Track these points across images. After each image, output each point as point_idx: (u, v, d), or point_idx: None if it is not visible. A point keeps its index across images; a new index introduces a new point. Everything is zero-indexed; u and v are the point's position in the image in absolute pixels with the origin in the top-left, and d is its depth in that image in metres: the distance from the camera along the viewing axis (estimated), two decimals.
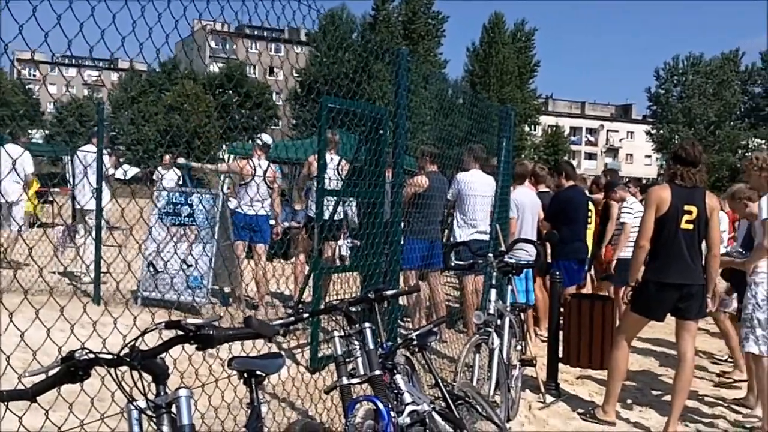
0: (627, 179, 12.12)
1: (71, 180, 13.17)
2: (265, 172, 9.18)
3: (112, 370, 2.33)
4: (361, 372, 3.76)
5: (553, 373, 7.33)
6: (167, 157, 17.28)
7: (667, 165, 6.92)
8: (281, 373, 5.13)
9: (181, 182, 15.53)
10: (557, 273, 7.59)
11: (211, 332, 2.30)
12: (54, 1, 3.06)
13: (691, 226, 6.01)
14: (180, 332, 2.34)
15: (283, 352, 5.79)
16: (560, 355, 7.57)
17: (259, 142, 9.86)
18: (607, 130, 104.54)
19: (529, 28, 74.15)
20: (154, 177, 17.06)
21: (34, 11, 3.01)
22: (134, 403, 2.34)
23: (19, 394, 2.32)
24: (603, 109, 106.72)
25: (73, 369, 2.30)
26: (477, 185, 8.71)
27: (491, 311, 5.85)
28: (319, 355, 6.42)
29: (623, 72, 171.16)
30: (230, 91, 60.60)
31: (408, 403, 3.84)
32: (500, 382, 5.67)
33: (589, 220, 9.81)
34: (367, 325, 3.82)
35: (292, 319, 3.64)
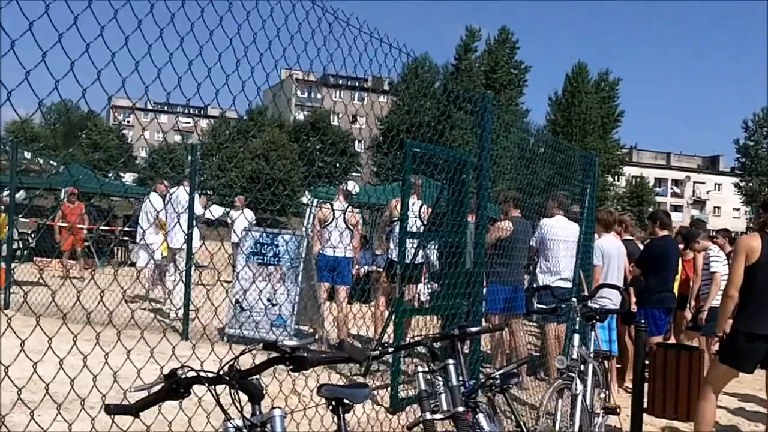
0: (713, 231, 11.90)
1: (143, 220, 13.59)
2: (344, 213, 9.40)
3: (211, 389, 2.45)
4: (444, 408, 3.81)
5: (638, 424, 7.19)
6: (240, 198, 17.59)
7: (756, 214, 6.79)
8: (363, 413, 5.23)
9: (254, 223, 15.78)
10: (642, 321, 7.49)
11: (305, 354, 2.40)
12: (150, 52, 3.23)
13: None
14: (275, 354, 2.45)
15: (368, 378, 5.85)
16: (645, 405, 7.43)
17: (344, 187, 10.11)
18: (694, 182, 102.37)
19: (613, 77, 73.55)
20: (228, 220, 17.39)
21: (136, 66, 3.18)
22: (231, 421, 2.46)
23: (125, 409, 2.47)
24: (689, 160, 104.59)
25: (175, 386, 2.43)
26: (561, 231, 8.69)
27: (574, 356, 5.79)
28: (400, 396, 6.49)
29: (710, 123, 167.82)
30: (314, 139, 61.75)
31: None
32: (583, 429, 5.60)
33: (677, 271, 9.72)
34: (450, 361, 3.88)
35: (379, 351, 3.73)
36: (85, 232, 18.50)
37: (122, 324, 3.38)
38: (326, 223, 9.82)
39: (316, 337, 10.00)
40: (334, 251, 9.66)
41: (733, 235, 11.66)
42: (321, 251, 9.87)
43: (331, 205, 9.90)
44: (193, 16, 3.33)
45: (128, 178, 57.53)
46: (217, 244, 4.09)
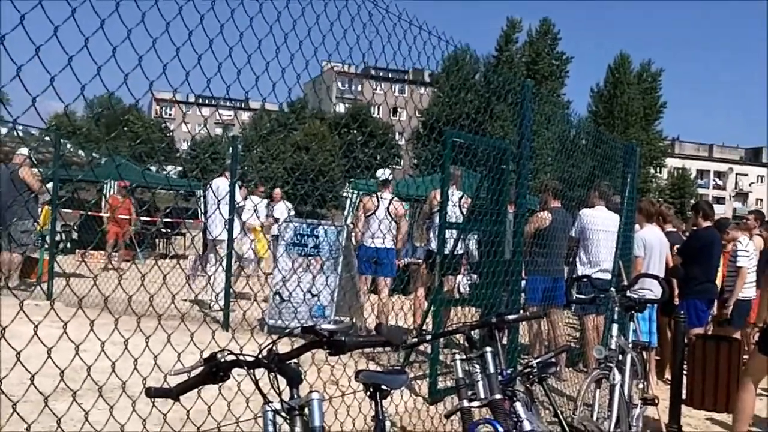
0: (749, 212, 11.73)
1: (203, 212, 13.71)
2: (388, 205, 9.40)
3: (250, 373, 2.49)
4: (482, 396, 3.82)
5: (676, 415, 7.14)
6: (277, 191, 17.54)
7: None
8: (401, 401, 5.26)
9: (293, 214, 15.82)
10: (681, 312, 7.43)
11: (343, 338, 2.43)
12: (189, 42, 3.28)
13: None
14: (314, 337, 2.48)
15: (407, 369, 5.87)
16: (683, 396, 7.37)
17: (378, 177, 10.15)
18: (737, 174, 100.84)
19: (656, 68, 72.63)
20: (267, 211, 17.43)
21: (177, 52, 3.23)
22: (270, 404, 2.50)
23: (165, 392, 2.53)
24: (732, 152, 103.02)
25: (215, 370, 2.48)
26: (601, 222, 8.64)
27: (612, 347, 5.76)
28: (438, 386, 6.51)
29: (753, 114, 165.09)
30: (355, 131, 61.82)
31: (527, 431, 3.87)
32: (621, 419, 5.57)
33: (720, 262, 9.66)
34: (488, 349, 3.89)
35: (416, 339, 3.75)
36: (131, 226, 18.78)
37: (163, 314, 3.43)
38: (369, 213, 9.84)
39: (358, 326, 10.05)
40: (375, 242, 9.67)
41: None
42: (362, 242, 9.89)
43: (377, 195, 9.91)
44: (233, 5, 3.37)
45: (170, 170, 58.08)
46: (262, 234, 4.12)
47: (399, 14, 4.37)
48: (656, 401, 6.60)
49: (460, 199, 8.65)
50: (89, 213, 17.24)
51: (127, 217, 17.87)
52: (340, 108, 77.15)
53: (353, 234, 10.33)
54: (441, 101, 56.97)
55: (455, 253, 8.38)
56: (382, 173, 10.15)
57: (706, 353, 7.57)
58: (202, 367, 2.51)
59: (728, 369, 7.41)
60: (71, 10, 2.76)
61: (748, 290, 9.38)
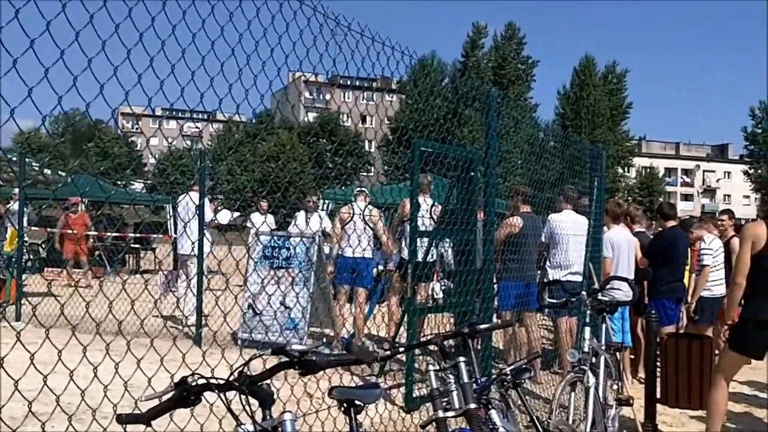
0: (720, 211, 11.82)
1: (173, 228, 13.65)
2: (363, 213, 9.48)
3: (221, 396, 2.47)
4: (457, 405, 3.83)
5: (651, 414, 7.20)
6: (263, 203, 17.56)
7: (762, 201, 6.81)
8: (376, 413, 5.26)
9: (274, 227, 15.80)
10: (653, 312, 7.50)
11: (314, 358, 2.43)
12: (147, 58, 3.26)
13: None
14: (285, 358, 2.47)
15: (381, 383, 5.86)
16: (658, 395, 7.43)
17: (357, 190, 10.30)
18: (704, 171, 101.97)
19: (621, 69, 73.35)
20: (247, 224, 17.40)
21: (139, 78, 3.21)
22: (242, 426, 2.48)
23: (137, 418, 2.50)
24: (698, 149, 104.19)
25: (186, 393, 2.47)
26: (569, 226, 8.70)
27: (586, 349, 5.80)
28: (414, 395, 6.52)
29: (718, 111, 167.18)
30: (324, 140, 61.80)
31: None
32: (596, 421, 5.61)
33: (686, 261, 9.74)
34: (461, 359, 3.90)
35: (389, 352, 3.75)
36: (91, 241, 18.61)
37: (133, 333, 3.41)
38: (345, 223, 9.90)
39: (326, 340, 10.05)
40: (353, 252, 9.70)
41: (742, 221, 11.59)
42: (341, 253, 9.91)
43: (352, 206, 9.97)
44: (194, 27, 3.36)
45: (137, 186, 57.70)
46: (233, 248, 4.09)
47: (361, 31, 4.38)
48: (631, 401, 6.66)
49: (431, 207, 8.68)
50: (53, 230, 17.12)
51: (90, 233, 17.71)
52: (309, 117, 77.02)
53: (332, 245, 10.35)
54: (409, 108, 57.09)
55: (427, 260, 8.41)
56: (359, 185, 10.32)
57: (679, 352, 7.64)
58: (173, 392, 2.50)
59: (701, 367, 7.48)
60: (29, 42, 2.73)
61: (716, 287, 9.47)
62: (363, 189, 10.37)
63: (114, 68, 3.10)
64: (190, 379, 2.45)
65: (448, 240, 8.43)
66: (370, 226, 9.89)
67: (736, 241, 10.28)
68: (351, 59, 4.32)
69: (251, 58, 3.69)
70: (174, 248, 12.66)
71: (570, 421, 5.44)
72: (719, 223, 10.86)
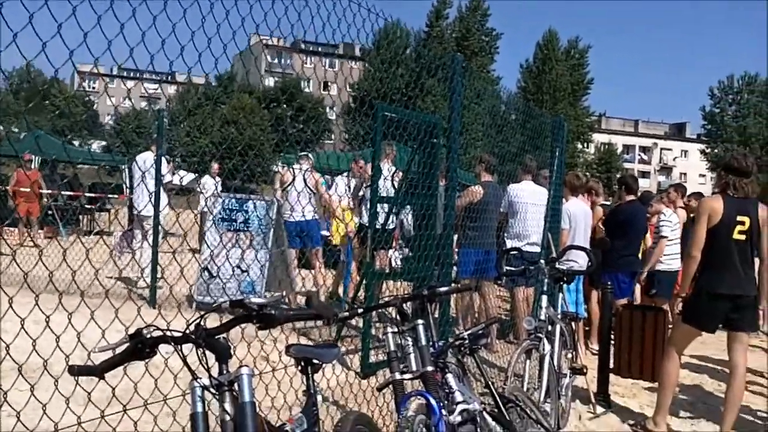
0: (670, 187, 12.00)
1: (128, 187, 13.43)
2: (304, 176, 9.57)
3: (177, 348, 2.42)
4: (414, 368, 3.81)
5: (604, 384, 7.28)
6: (216, 165, 17.35)
7: (718, 176, 6.88)
8: (333, 375, 5.24)
9: (220, 190, 15.55)
10: (608, 283, 7.56)
11: (273, 312, 2.38)
12: (112, 11, 3.14)
13: (743, 237, 5.97)
14: (243, 311, 2.42)
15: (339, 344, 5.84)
16: (611, 365, 7.52)
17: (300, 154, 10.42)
18: (661, 149, 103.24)
19: (583, 45, 73.74)
20: (198, 188, 17.23)
21: (98, 21, 3.08)
22: (198, 380, 2.43)
23: (89, 370, 2.44)
24: (657, 127, 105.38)
25: (141, 346, 2.41)
26: (528, 195, 8.73)
27: (542, 317, 5.83)
28: (370, 360, 6.50)
29: (677, 90, 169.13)
30: (285, 105, 61.32)
31: (459, 402, 3.89)
32: (551, 389, 5.65)
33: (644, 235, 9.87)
34: (419, 321, 3.88)
35: (347, 313, 3.72)
36: (45, 200, 18.28)
37: (86, 291, 3.32)
38: (285, 186, 9.91)
39: (287, 297, 10.01)
40: (295, 216, 9.77)
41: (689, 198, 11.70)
42: (286, 219, 9.88)
43: (291, 168, 9.98)
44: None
45: (95, 145, 56.76)
46: (185, 212, 4.02)
47: None
48: (585, 370, 6.72)
49: (393, 173, 8.64)
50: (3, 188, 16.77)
51: (38, 191, 17.38)
52: (270, 82, 76.39)
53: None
54: (372, 76, 56.87)
55: (387, 227, 8.38)
56: (324, 144, 10.42)
57: (633, 323, 7.75)
58: (127, 344, 2.44)
59: (654, 338, 7.60)
60: None
61: (673, 261, 9.59)
62: (307, 153, 10.43)
63: (58, 25, 2.96)
64: (145, 331, 2.39)
65: (408, 207, 8.41)
66: (310, 188, 9.93)
67: (682, 212, 10.47)
68: (317, 13, 4.21)
69: (213, 11, 3.58)
70: (130, 207, 12.45)
71: (525, 389, 5.46)
72: (667, 194, 11.02)
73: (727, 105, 76.47)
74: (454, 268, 7.28)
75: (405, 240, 9.79)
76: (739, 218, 5.94)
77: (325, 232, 12.27)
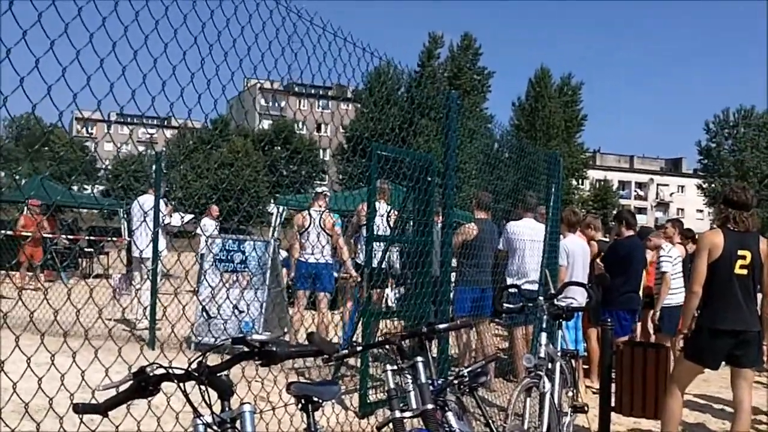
0: (667, 221, 12.04)
1: (127, 230, 13.45)
2: (320, 218, 9.44)
3: (180, 386, 2.43)
4: (414, 406, 3.81)
5: (606, 422, 7.22)
6: (214, 208, 17.39)
7: (717, 209, 6.84)
8: (332, 413, 5.22)
9: (218, 231, 15.59)
10: (608, 320, 7.54)
11: (274, 348, 2.39)
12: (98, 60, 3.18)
13: (745, 271, 5.90)
14: (245, 348, 2.44)
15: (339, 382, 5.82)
16: (612, 403, 7.46)
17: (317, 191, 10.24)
18: (657, 184, 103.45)
19: (576, 81, 74.15)
20: (197, 230, 17.23)
21: (88, 80, 3.14)
22: (201, 417, 2.44)
23: (94, 408, 2.45)
24: (652, 162, 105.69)
25: (144, 384, 2.42)
26: (527, 233, 8.74)
27: (542, 355, 5.80)
28: (369, 400, 6.48)
29: (672, 125, 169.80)
30: (279, 148, 61.56)
31: None
32: (551, 428, 5.61)
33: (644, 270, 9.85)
34: (419, 359, 3.88)
35: (346, 351, 3.73)
36: (48, 243, 18.27)
37: (88, 332, 3.33)
38: (303, 230, 9.81)
39: (287, 334, 9.96)
40: (311, 258, 9.67)
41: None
42: (299, 258, 9.83)
43: (309, 211, 9.91)
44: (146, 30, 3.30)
45: (93, 190, 56.80)
46: (183, 254, 4.05)
47: (323, 26, 4.36)
48: (586, 408, 6.66)
49: (388, 212, 8.66)
50: (5, 232, 16.76)
51: (47, 234, 17.38)
52: (264, 124, 76.71)
53: (292, 251, 10.26)
54: (365, 116, 57.17)
55: (382, 266, 8.39)
56: (319, 185, 10.32)
57: (634, 360, 7.68)
58: (131, 382, 2.45)
59: (656, 376, 7.52)
60: None
61: (677, 296, 9.51)
62: (324, 190, 10.29)
63: (62, 69, 3.01)
64: (148, 369, 2.41)
65: (395, 246, 8.43)
66: (326, 232, 9.84)
67: (680, 247, 10.45)
68: (312, 54, 4.28)
69: (205, 61, 3.64)
70: (128, 250, 12.47)
71: (525, 427, 5.44)
72: (664, 230, 11.01)
73: (723, 139, 76.74)
74: (450, 306, 7.28)
75: (393, 278, 9.75)
76: (740, 252, 5.88)
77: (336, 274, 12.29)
